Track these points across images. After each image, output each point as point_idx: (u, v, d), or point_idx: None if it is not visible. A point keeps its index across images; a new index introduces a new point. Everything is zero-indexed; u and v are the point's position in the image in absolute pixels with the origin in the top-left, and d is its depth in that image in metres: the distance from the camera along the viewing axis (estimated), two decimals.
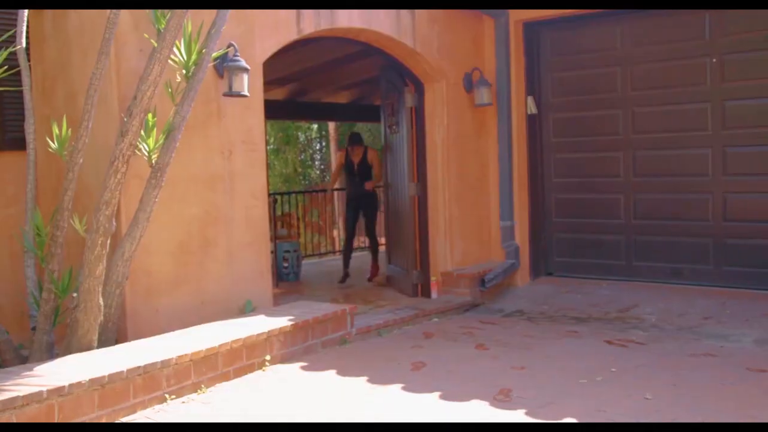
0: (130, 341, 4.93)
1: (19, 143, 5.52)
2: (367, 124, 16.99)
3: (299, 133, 19.46)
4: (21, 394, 3.51)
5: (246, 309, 5.76)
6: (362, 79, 11.12)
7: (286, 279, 9.31)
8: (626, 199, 7.72)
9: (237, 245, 5.83)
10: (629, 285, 7.53)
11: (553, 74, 8.06)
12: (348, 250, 9.18)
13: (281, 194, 12.14)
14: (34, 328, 4.80)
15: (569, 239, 8.11)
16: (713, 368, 4.97)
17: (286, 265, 9.41)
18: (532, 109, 8.02)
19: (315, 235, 15.48)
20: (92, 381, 3.85)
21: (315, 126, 19.25)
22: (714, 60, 7.10)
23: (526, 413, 4.06)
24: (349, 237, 9.21)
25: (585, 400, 4.27)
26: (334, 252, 14.56)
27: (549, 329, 6.31)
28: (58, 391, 3.67)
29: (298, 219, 12.98)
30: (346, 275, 9.01)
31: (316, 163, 20.30)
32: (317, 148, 20.34)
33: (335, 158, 10.04)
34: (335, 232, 17.15)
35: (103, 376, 3.89)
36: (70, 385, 3.73)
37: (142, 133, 4.53)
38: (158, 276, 5.33)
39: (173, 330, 5.12)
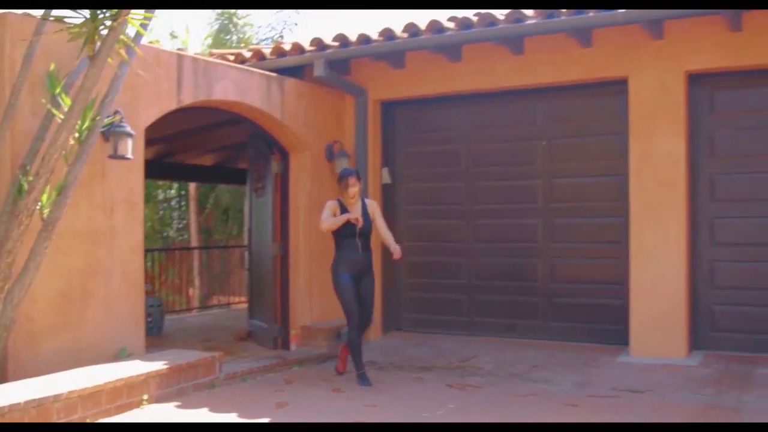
0: (10, 381, 5.30)
1: None
2: (228, 186, 17.49)
3: (159, 191, 19.67)
4: None
5: (120, 355, 6.21)
6: (228, 144, 11.74)
7: (149, 333, 9.58)
8: (468, 263, 8.63)
9: (115, 296, 6.29)
10: (470, 339, 8.38)
11: (406, 149, 8.96)
12: (359, 336, 6.82)
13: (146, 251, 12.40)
14: None
15: (417, 297, 8.94)
16: (536, 405, 5.84)
17: (149, 319, 9.73)
18: (387, 179, 8.88)
19: (171, 293, 15.76)
20: None
21: (175, 185, 19.50)
22: (543, 143, 8.18)
23: None
24: (357, 313, 6.73)
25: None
26: (189, 310, 14.91)
27: (398, 376, 7.04)
28: None
29: (154, 277, 13.30)
30: (363, 372, 6.74)
31: (174, 221, 20.47)
32: (176, 206, 20.53)
33: (326, 210, 6.89)
34: (191, 291, 17.44)
35: (4, 407, 4.33)
36: None
37: None
38: (40, 322, 5.72)
39: (52, 373, 5.51)
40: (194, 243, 18.11)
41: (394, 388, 6.46)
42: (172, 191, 20.02)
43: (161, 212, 19.76)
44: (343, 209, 6.83)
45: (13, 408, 4.39)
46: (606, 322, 7.90)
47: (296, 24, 18.52)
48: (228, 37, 17.64)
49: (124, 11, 4.52)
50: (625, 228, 7.65)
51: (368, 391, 6.36)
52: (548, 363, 7.35)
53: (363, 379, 6.65)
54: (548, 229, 8.21)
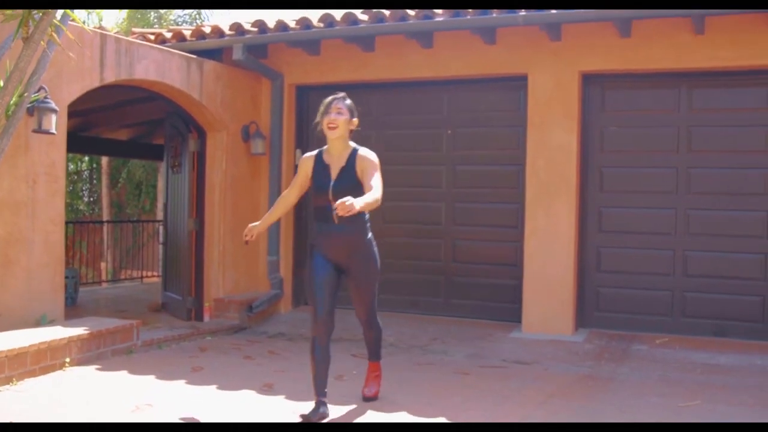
0: None
1: None
2: (141, 161, 17.57)
3: (69, 164, 19.57)
4: None
5: (42, 321, 6.48)
6: (145, 120, 11.92)
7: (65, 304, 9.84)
8: (376, 242, 9.08)
9: (36, 265, 6.55)
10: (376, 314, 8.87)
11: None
12: (322, 352, 5.01)
13: None
14: None
15: None
16: (431, 372, 6.39)
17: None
18: (300, 160, 9.26)
19: (82, 266, 15.84)
20: None
21: (86, 158, 19.44)
22: (449, 132, 8.72)
23: (285, 398, 5.27)
24: (323, 317, 5.00)
25: (331, 390, 5.46)
26: (100, 283, 15.04)
27: (306, 347, 7.35)
28: None
29: (66, 249, 13.37)
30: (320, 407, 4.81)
31: (85, 195, 20.41)
32: (86, 179, 20.46)
33: (297, 167, 5.43)
34: (102, 264, 17.52)
35: None
36: None
37: None
38: None
39: None
40: (105, 217, 18.15)
41: (301, 357, 6.85)
42: (83, 164, 19.95)
43: (72, 185, 19.65)
44: (320, 164, 5.01)
45: None
46: (502, 300, 8.49)
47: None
48: (146, 12, 17.66)
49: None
50: (521, 213, 8.23)
51: (276, 358, 6.80)
52: (446, 337, 7.90)
53: (315, 409, 4.77)
54: (450, 213, 8.75)
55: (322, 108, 4.94)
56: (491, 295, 8.57)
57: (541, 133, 7.97)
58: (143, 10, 17.54)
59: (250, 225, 5.23)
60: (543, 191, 7.96)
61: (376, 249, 5.25)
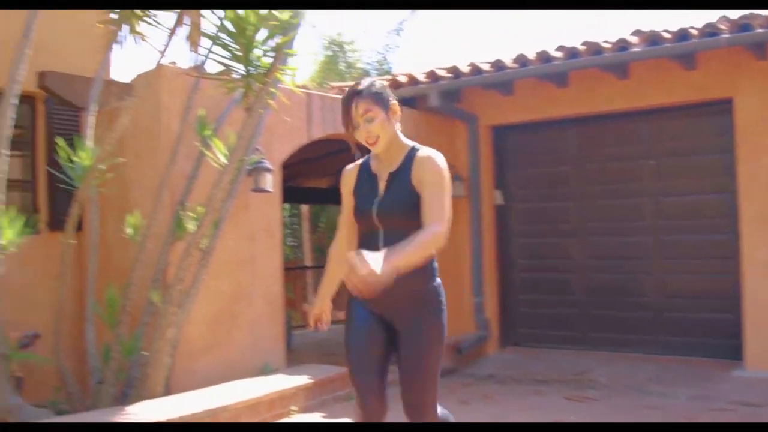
0: (174, 394, 5.97)
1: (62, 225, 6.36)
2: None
3: None
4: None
5: (265, 370, 6.83)
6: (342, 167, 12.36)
7: None
8: (580, 279, 8.95)
9: (257, 316, 6.93)
10: (584, 353, 8.70)
11: (517, 171, 9.36)
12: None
13: None
14: (99, 382, 5.79)
15: (532, 313, 9.30)
16: (656, 417, 6.16)
17: None
18: (499, 200, 9.31)
19: (290, 310, 16.51)
20: (180, 417, 5.03)
21: (287, 206, 20.37)
22: (652, 162, 8.46)
23: None
24: (366, 401, 3.49)
25: None
26: (306, 326, 15.59)
27: (517, 389, 7.46)
28: None
29: None
30: None
31: (288, 241, 21.33)
32: (289, 226, 21.41)
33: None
34: (305, 306, 18.20)
35: (185, 415, 5.10)
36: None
37: None
38: (196, 342, 6.39)
39: (206, 386, 6.16)
40: (308, 261, 18.89)
41: (516, 400, 6.88)
42: (285, 211, 20.92)
43: None
44: (365, 174, 3.53)
45: (194, 416, 5.18)
46: (718, 336, 8.06)
47: (398, 46, 19.25)
48: (340, 58, 18.44)
49: (275, 68, 5.11)
50: (734, 243, 7.83)
51: (491, 403, 6.80)
52: (663, 377, 7.61)
53: None
54: (657, 246, 8.46)
55: (343, 113, 3.38)
56: (705, 331, 8.17)
57: (752, 157, 7.59)
58: (333, 64, 18.31)
59: (307, 307, 3.86)
60: (760, 219, 7.55)
61: (443, 305, 3.48)
